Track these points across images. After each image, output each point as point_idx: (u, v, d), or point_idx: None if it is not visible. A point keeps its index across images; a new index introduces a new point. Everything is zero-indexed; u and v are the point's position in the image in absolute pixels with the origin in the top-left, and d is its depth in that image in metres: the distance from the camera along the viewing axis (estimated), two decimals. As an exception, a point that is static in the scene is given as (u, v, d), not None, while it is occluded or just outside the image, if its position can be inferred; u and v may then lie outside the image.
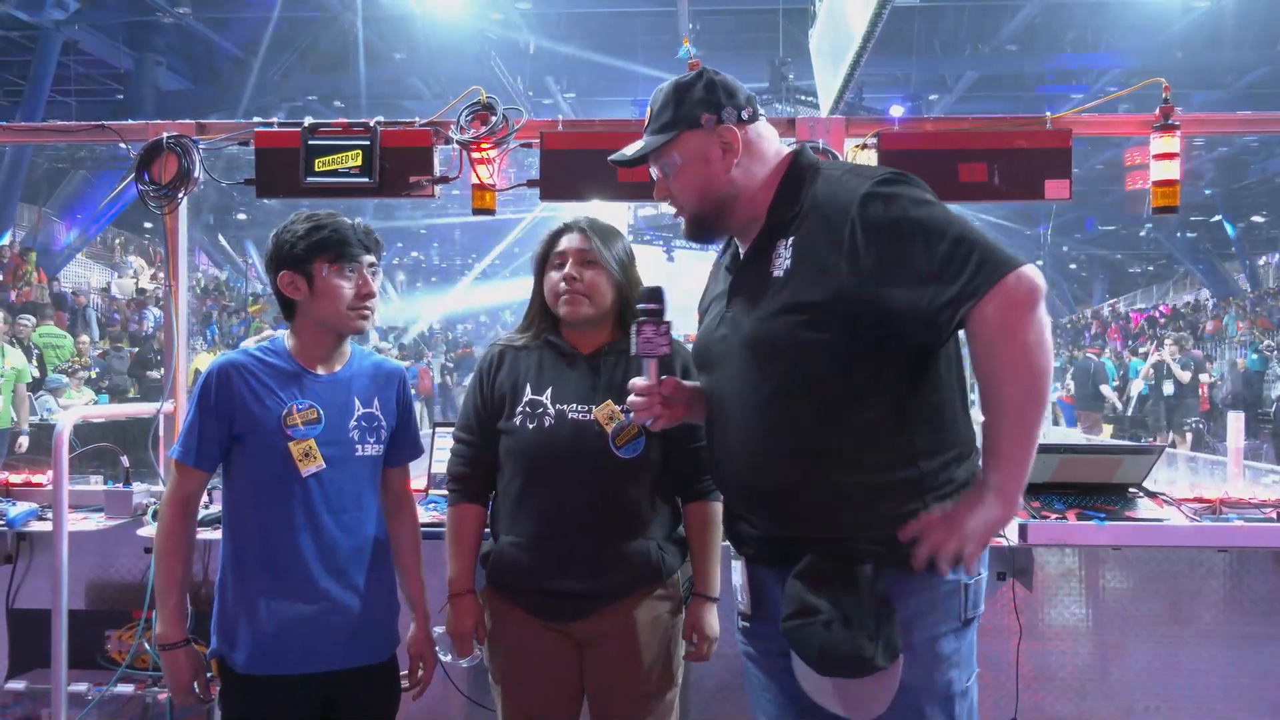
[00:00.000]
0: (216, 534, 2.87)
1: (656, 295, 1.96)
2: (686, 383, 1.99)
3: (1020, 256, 1.62)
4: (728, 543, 1.97)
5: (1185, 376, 13.18)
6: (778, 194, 1.80)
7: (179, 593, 2.18)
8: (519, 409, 2.24)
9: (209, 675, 2.20)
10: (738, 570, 1.89)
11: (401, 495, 2.37)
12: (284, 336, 2.27)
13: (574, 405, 2.22)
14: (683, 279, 2.06)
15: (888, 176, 1.72)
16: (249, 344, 2.32)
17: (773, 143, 1.85)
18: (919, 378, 1.72)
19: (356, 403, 2.23)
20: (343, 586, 2.18)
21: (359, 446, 2.23)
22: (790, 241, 1.74)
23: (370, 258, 2.22)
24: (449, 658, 2.39)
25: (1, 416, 8.72)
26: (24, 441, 8.93)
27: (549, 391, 2.25)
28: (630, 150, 1.86)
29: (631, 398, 1.93)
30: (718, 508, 2.25)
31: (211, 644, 2.18)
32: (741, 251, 1.86)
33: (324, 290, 2.19)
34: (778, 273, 1.74)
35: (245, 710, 2.16)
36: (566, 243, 2.29)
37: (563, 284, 2.25)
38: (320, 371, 2.24)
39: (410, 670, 2.33)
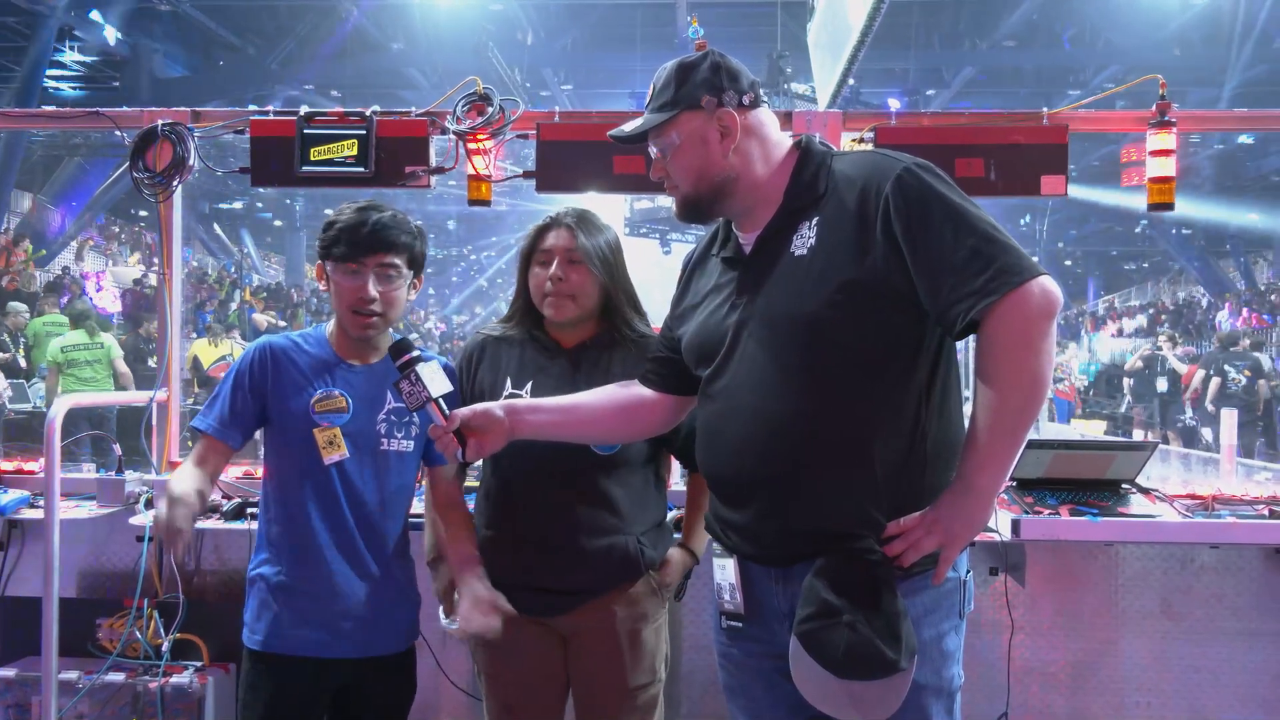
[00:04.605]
0: (206, 524, 2.88)
1: (398, 350, 1.96)
2: (485, 405, 1.97)
3: (1041, 267, 1.62)
4: (713, 541, 1.90)
5: (1183, 369, 13.18)
6: (795, 176, 1.79)
7: (181, 474, 2.14)
8: None
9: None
10: (728, 569, 1.84)
11: (449, 498, 2.29)
12: (326, 325, 2.29)
13: None
14: (678, 272, 2.05)
15: (922, 162, 1.72)
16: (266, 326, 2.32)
17: (774, 130, 1.84)
18: (935, 371, 1.72)
19: (389, 396, 2.21)
20: (357, 577, 2.18)
21: (385, 440, 2.22)
22: (815, 221, 1.73)
23: (384, 258, 2.16)
24: (444, 620, 2.40)
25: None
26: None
27: (529, 386, 2.23)
28: (629, 127, 1.85)
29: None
30: None
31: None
32: (742, 239, 1.85)
33: (332, 287, 2.20)
34: (800, 251, 1.73)
35: (258, 687, 2.18)
36: (553, 239, 2.26)
37: (548, 284, 2.23)
38: (356, 362, 2.23)
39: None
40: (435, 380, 1.93)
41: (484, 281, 33.05)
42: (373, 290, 2.15)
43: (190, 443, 2.30)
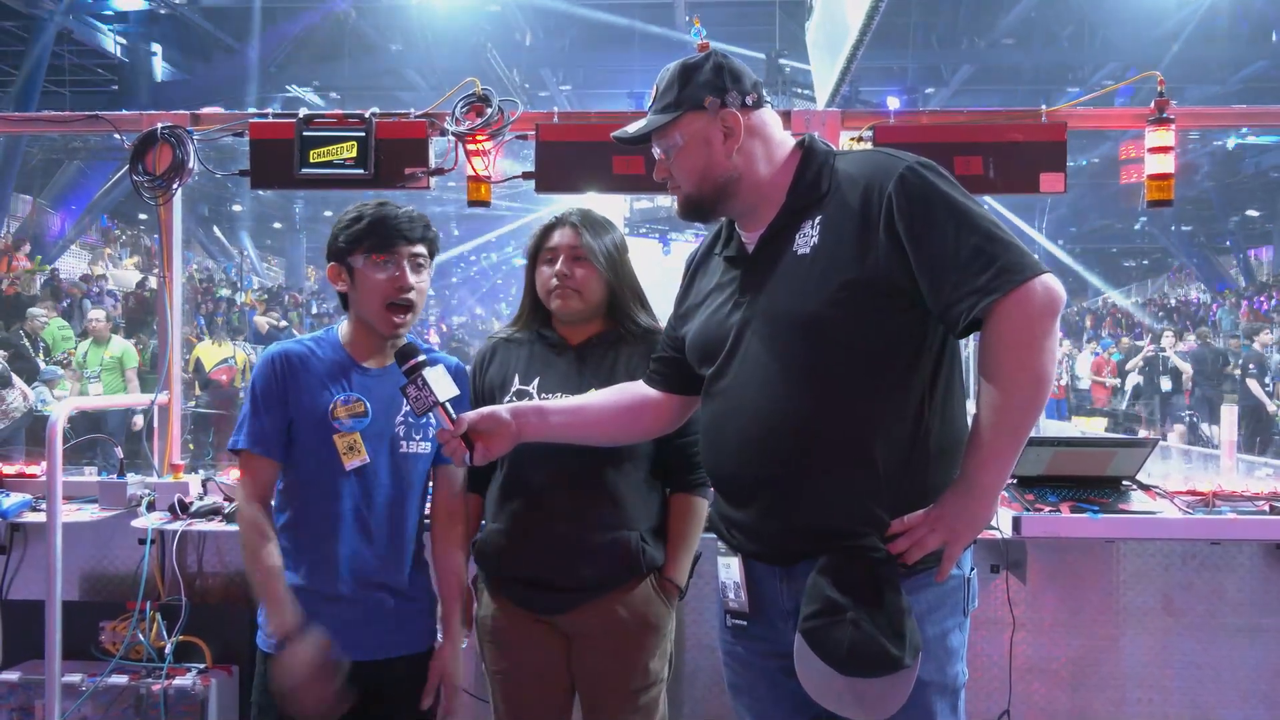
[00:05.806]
0: (209, 526, 2.89)
1: (404, 355, 1.97)
2: (492, 408, 1.98)
3: (1044, 265, 1.62)
4: (715, 539, 1.90)
5: (1185, 367, 13.16)
6: (798, 176, 1.80)
7: (281, 580, 2.11)
8: (507, 399, 2.25)
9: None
10: (732, 568, 1.84)
11: (452, 504, 2.29)
12: (338, 328, 2.27)
13: (560, 395, 2.22)
14: (679, 272, 2.06)
15: (925, 160, 1.73)
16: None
17: (777, 130, 1.85)
18: (938, 369, 1.73)
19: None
20: (377, 582, 2.17)
21: (405, 443, 2.21)
22: (818, 220, 1.74)
23: (414, 248, 2.16)
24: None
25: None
26: (139, 420, 8.89)
27: (536, 381, 2.26)
28: (633, 128, 1.86)
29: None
30: (703, 503, 2.29)
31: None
32: (745, 238, 1.85)
33: (361, 282, 2.17)
34: (803, 250, 1.73)
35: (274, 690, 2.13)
36: (559, 238, 2.30)
37: (554, 280, 2.26)
38: (370, 365, 2.22)
39: (427, 689, 2.22)
40: (441, 384, 1.93)
41: (483, 283, 33.08)
42: (410, 279, 2.15)
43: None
